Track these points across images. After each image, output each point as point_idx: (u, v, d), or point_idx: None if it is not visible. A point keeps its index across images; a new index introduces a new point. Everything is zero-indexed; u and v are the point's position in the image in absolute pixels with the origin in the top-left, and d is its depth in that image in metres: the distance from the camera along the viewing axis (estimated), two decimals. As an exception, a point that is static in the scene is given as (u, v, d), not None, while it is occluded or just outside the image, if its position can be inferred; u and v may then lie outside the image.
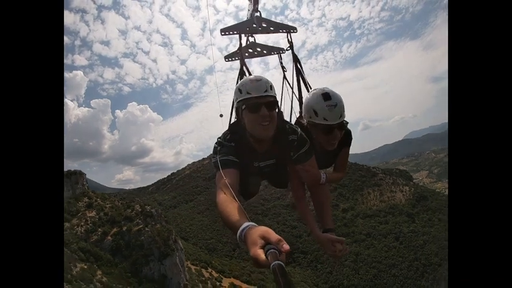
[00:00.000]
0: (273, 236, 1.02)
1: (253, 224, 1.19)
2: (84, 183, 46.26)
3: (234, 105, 1.96)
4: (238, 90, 1.87)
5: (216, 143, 1.89)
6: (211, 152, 1.89)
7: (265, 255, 0.96)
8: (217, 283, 45.19)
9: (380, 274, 70.33)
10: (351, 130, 2.33)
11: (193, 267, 44.64)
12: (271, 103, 1.81)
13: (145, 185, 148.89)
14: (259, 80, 1.83)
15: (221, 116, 2.83)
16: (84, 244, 32.72)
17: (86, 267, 28.43)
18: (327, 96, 2.02)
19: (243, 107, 1.82)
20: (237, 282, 48.00)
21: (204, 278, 43.95)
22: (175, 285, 32.82)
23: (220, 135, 1.95)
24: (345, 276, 69.06)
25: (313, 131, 2.15)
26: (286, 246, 0.98)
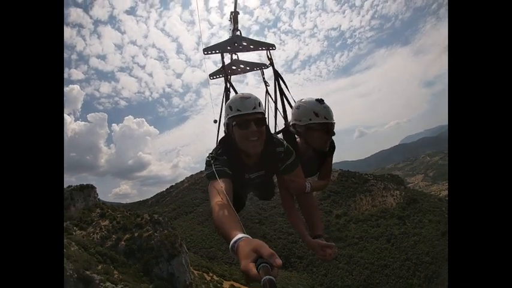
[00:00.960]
0: (266, 250, 1.00)
1: (247, 236, 1.18)
2: (95, 195, 51.52)
3: (225, 122, 2.07)
4: (229, 108, 1.97)
5: (208, 157, 1.95)
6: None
7: (257, 269, 0.94)
8: (218, 285, 49.89)
9: (373, 275, 74.67)
10: (347, 138, 3.28)
11: (195, 272, 49.11)
12: (260, 119, 1.92)
13: (142, 199, 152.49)
14: (248, 98, 1.94)
15: (215, 121, 2.89)
16: (100, 248, 37.65)
17: (104, 266, 33.54)
18: (321, 100, 2.30)
19: (234, 123, 1.92)
20: (237, 285, 52.46)
21: (206, 281, 48.68)
22: (181, 283, 37.47)
23: (211, 151, 2.03)
24: (339, 278, 73.45)
25: (310, 133, 2.32)
26: (278, 261, 0.96)
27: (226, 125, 2.04)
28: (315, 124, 2.28)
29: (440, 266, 71.27)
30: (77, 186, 49.62)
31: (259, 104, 1.96)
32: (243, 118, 1.90)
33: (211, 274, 54.12)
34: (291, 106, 2.77)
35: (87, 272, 25.65)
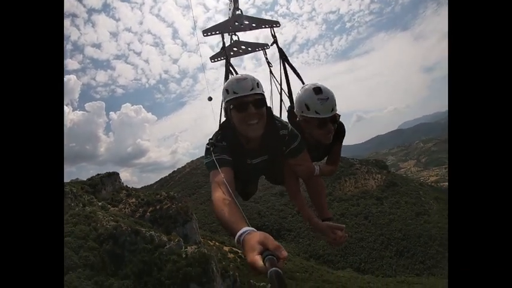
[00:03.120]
0: (272, 242, 1.04)
1: (252, 229, 1.20)
2: (120, 180, 65.68)
3: (223, 106, 2.01)
4: (225, 91, 1.91)
5: (207, 144, 1.90)
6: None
7: (263, 261, 0.98)
8: (220, 248, 65.12)
9: (350, 246, 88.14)
10: (345, 122, 2.36)
11: (201, 239, 64.09)
12: (259, 101, 1.85)
13: (145, 185, 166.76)
14: (245, 79, 1.87)
15: (210, 99, 2.76)
16: (132, 219, 51.86)
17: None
18: (318, 90, 2.08)
19: (231, 106, 1.86)
20: (235, 249, 67.42)
21: (210, 245, 63.70)
22: (193, 241, 51.47)
23: (211, 136, 1.99)
24: (321, 247, 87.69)
25: (306, 125, 2.19)
26: (284, 253, 1.00)
27: (225, 109, 2.00)
28: (307, 118, 2.16)
29: (411, 242, 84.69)
30: (105, 173, 63.72)
31: (258, 84, 1.89)
32: (240, 100, 1.84)
33: (214, 241, 69.20)
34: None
35: (136, 227, 40.17)
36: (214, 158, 1.79)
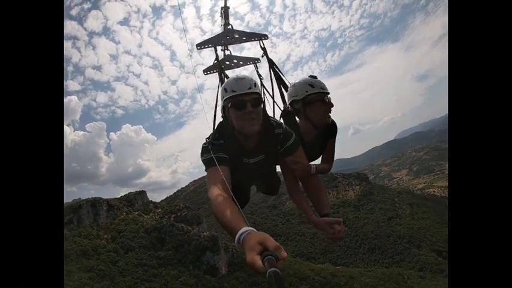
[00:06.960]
0: (272, 242, 1.07)
1: (252, 229, 1.23)
2: (147, 197, 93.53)
3: (221, 104, 2.11)
4: (224, 90, 2.03)
5: (204, 143, 2.02)
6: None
7: (263, 261, 1.01)
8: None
9: (329, 245, 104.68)
10: (342, 136, 9.59)
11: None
12: (256, 99, 1.97)
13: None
14: (243, 79, 1.99)
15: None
16: (162, 222, 79.37)
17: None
18: (314, 76, 2.47)
19: (229, 105, 1.97)
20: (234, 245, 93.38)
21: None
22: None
23: (208, 136, 2.10)
24: (305, 247, 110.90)
25: (308, 107, 2.41)
26: (283, 254, 1.02)
27: (223, 108, 2.10)
28: (313, 95, 2.39)
29: (381, 240, 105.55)
30: (137, 191, 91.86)
31: (255, 84, 2.02)
32: (238, 99, 1.95)
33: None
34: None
35: (172, 222, 68.40)
36: (212, 155, 1.87)
